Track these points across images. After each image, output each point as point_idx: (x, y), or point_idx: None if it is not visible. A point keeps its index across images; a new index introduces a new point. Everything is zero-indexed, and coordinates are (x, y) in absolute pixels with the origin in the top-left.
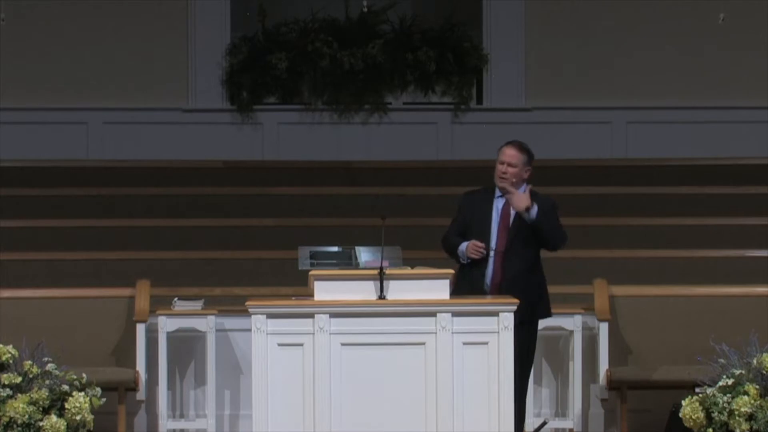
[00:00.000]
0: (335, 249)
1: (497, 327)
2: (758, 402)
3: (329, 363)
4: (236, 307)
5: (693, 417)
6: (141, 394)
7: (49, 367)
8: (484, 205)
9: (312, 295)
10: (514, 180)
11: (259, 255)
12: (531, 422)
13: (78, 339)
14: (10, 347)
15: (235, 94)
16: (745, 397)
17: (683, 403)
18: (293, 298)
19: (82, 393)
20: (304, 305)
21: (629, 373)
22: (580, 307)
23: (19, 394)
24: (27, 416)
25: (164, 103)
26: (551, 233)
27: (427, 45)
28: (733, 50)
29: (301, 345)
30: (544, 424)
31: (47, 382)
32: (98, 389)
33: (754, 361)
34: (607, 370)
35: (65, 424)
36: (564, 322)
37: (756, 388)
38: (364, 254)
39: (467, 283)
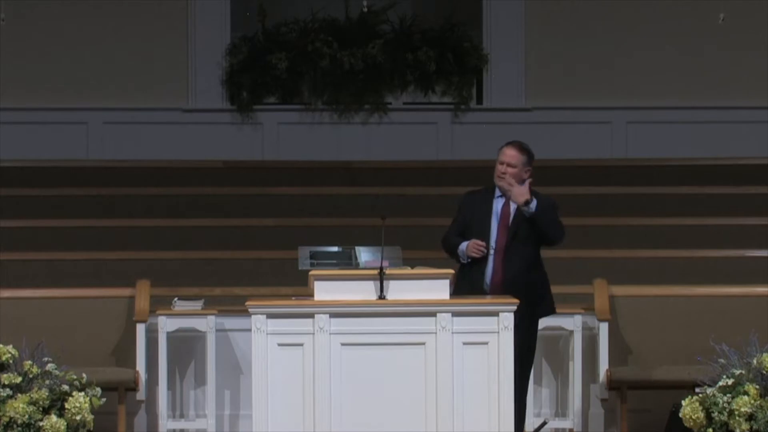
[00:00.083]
0: (335, 249)
1: (497, 327)
2: (758, 402)
3: (329, 363)
4: (236, 307)
5: (693, 417)
6: (141, 394)
7: (49, 367)
8: (484, 205)
9: (312, 295)
10: (513, 180)
11: (259, 255)
12: (531, 422)
13: (78, 339)
14: (10, 347)
15: (235, 94)
16: (745, 397)
17: (683, 403)
18: (293, 298)
19: (82, 393)
20: (304, 305)
21: (629, 373)
22: (580, 307)
23: (19, 394)
24: (27, 416)
25: (164, 103)
26: (550, 226)
27: (427, 45)
28: (733, 50)
29: (301, 345)
30: (544, 424)
31: (47, 382)
32: (98, 389)
33: (754, 361)
34: (607, 370)
35: (65, 424)
36: (564, 322)
37: (756, 388)
38: (364, 254)
39: (467, 283)
